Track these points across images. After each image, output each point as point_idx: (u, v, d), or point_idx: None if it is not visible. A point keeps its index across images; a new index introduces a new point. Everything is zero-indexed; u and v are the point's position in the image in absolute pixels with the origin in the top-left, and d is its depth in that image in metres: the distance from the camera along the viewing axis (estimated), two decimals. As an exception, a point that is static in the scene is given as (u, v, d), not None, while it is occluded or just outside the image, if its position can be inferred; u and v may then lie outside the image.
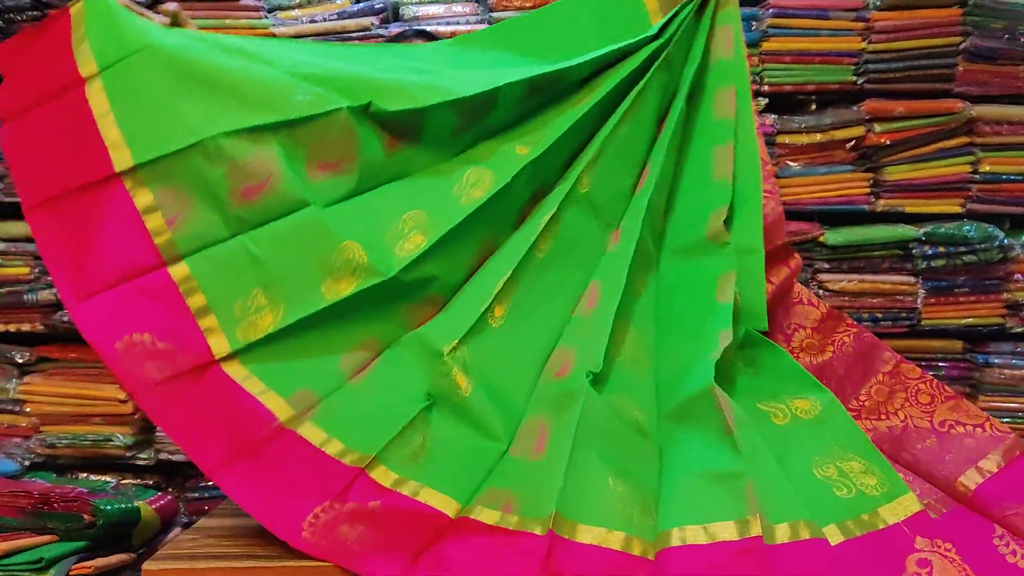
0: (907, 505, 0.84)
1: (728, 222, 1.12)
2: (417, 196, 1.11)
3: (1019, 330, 2.16)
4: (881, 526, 0.83)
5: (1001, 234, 2.06)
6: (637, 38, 1.19)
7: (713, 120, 1.19)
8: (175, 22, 1.12)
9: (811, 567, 0.77)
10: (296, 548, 0.94)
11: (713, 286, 1.07)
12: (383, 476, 0.98)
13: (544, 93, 1.18)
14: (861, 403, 1.08)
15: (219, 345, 1.00)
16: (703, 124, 1.20)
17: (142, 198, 1.02)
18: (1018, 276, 2.14)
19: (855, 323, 1.16)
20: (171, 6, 1.10)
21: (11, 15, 2.15)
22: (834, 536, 0.82)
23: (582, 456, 0.92)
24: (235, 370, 1.01)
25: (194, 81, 1.02)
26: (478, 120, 1.14)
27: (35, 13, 2.14)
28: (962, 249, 2.07)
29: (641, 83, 1.17)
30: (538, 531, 0.86)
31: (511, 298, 1.08)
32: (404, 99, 1.07)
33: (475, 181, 1.11)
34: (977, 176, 2.11)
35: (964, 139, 2.11)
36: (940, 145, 2.09)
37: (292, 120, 1.01)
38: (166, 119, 1.01)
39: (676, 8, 1.21)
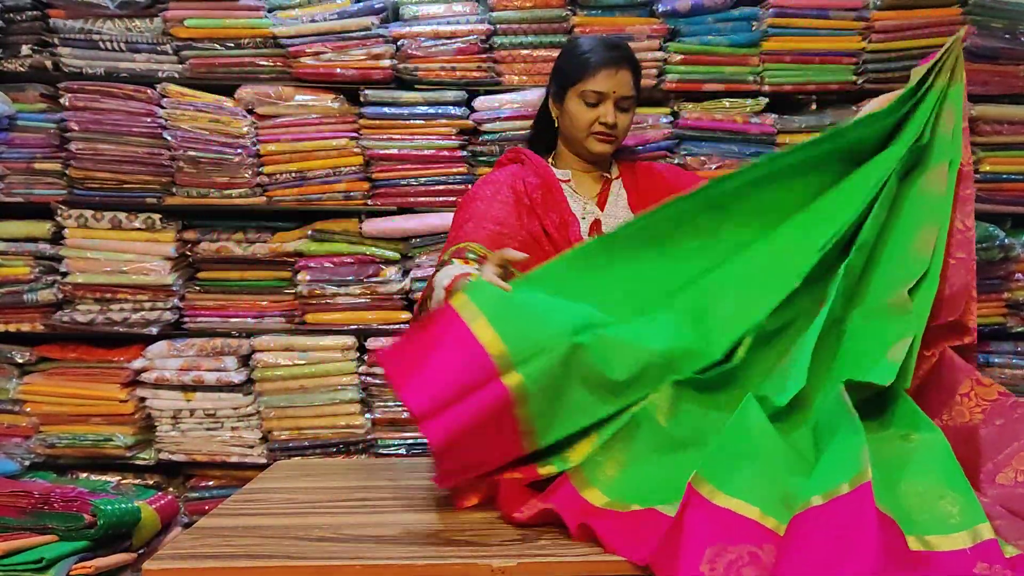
0: (980, 532, 0.84)
1: (911, 290, 1.13)
2: None
3: (1020, 329, 2.17)
4: (946, 549, 0.84)
5: (1002, 233, 2.06)
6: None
7: (918, 194, 1.21)
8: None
9: (888, 545, 0.79)
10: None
11: (884, 351, 1.09)
12: (584, 488, 1.04)
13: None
14: (996, 465, 1.05)
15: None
16: (911, 197, 1.22)
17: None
18: (1019, 275, 2.14)
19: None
20: (515, 255, 1.13)
21: (11, 15, 2.15)
22: None
23: (735, 454, 0.97)
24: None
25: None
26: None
27: (35, 13, 2.15)
28: (963, 248, 2.07)
29: (889, 164, 1.19)
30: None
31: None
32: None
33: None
34: (978, 176, 2.11)
35: (964, 139, 2.11)
36: (940, 145, 2.10)
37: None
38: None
39: (913, 85, 1.23)
